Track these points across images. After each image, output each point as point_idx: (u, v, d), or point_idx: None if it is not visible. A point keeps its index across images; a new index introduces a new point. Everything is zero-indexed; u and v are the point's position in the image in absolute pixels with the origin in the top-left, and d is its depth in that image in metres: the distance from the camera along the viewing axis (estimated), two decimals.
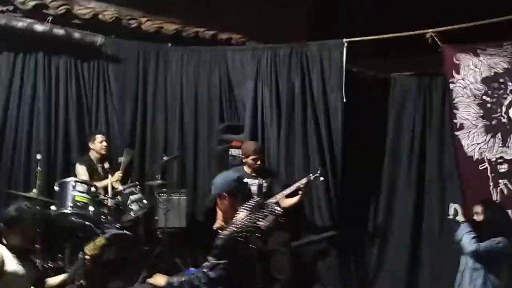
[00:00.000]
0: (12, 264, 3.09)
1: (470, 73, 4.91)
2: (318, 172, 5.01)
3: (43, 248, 4.58)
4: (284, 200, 5.01)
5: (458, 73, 4.95)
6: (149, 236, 5.46)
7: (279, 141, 5.59)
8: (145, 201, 5.28)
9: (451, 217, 4.50)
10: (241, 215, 3.05)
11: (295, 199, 4.99)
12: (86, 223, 4.71)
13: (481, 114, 4.88)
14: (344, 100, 5.32)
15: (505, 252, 4.17)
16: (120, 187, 5.26)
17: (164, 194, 5.49)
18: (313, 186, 5.23)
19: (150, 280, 3.24)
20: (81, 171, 5.30)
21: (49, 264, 4.72)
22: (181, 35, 6.33)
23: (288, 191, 4.99)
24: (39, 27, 5.35)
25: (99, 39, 5.67)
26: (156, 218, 5.46)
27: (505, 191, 4.75)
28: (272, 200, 4.89)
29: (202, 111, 6.04)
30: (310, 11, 8.17)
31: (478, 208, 4.36)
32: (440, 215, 5.24)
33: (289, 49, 5.65)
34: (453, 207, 4.50)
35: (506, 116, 4.79)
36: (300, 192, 4.96)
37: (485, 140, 4.83)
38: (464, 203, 4.69)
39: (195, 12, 6.57)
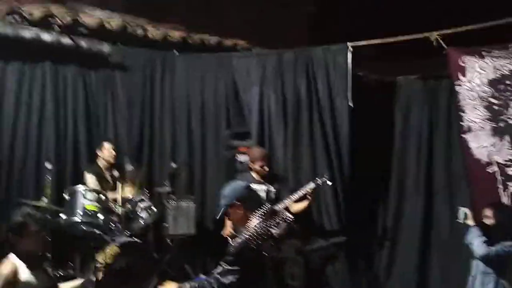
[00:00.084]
0: (25, 274, 3.11)
1: (476, 75, 4.90)
2: (325, 176, 5.02)
3: (53, 257, 4.57)
4: (293, 205, 5.01)
5: (464, 75, 4.95)
6: (159, 244, 5.47)
7: (285, 146, 5.60)
8: (154, 209, 5.28)
9: (460, 220, 4.49)
10: (254, 222, 3.06)
11: (303, 205, 4.99)
12: (96, 231, 4.73)
13: (488, 117, 4.87)
14: (351, 104, 5.33)
15: None
16: (130, 195, 5.28)
17: (173, 201, 5.49)
18: (321, 191, 5.23)
19: None
20: (90, 179, 5.32)
21: (59, 273, 4.72)
22: (187, 42, 6.36)
23: (296, 196, 4.99)
24: (46, 37, 5.39)
25: (106, 48, 5.71)
26: (166, 225, 5.47)
27: None
28: (281, 205, 4.89)
29: (209, 117, 6.06)
30: (310, 11, 8.19)
31: (488, 211, 4.29)
32: (449, 218, 5.24)
33: (293, 54, 5.67)
34: (462, 210, 4.49)
35: None
36: (308, 197, 4.96)
37: (493, 142, 4.81)
38: (473, 206, 4.66)
39: (197, 12, 6.60)
